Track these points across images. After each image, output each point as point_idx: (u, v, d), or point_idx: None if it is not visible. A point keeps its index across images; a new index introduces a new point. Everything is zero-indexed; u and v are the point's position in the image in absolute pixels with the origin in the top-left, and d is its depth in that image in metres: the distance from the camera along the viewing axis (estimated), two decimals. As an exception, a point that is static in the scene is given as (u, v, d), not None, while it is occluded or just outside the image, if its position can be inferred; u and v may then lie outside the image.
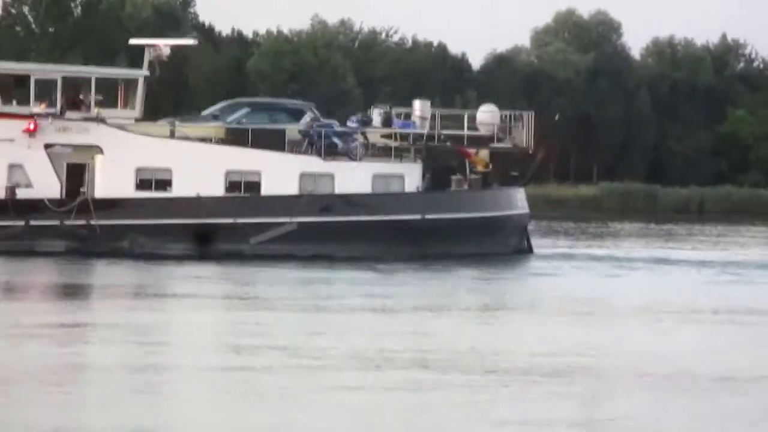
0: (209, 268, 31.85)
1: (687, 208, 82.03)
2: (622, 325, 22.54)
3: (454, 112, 36.25)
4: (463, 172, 35.63)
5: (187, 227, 33.55)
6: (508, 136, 34.78)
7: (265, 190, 33.37)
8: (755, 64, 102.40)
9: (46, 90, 34.15)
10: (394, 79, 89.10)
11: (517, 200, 35.54)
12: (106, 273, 32.00)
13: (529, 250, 35.92)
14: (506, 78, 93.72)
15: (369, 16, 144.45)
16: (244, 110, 35.29)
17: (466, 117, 35.34)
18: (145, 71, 35.87)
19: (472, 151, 34.27)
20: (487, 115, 34.54)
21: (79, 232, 33.68)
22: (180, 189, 34.47)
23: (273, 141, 33.56)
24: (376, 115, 35.07)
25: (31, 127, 32.81)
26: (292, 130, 34.19)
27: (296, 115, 35.56)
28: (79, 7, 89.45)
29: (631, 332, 21.12)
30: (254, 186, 34.20)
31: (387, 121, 34.24)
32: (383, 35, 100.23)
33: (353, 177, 33.54)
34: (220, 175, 34.20)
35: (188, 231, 33.40)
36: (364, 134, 34.37)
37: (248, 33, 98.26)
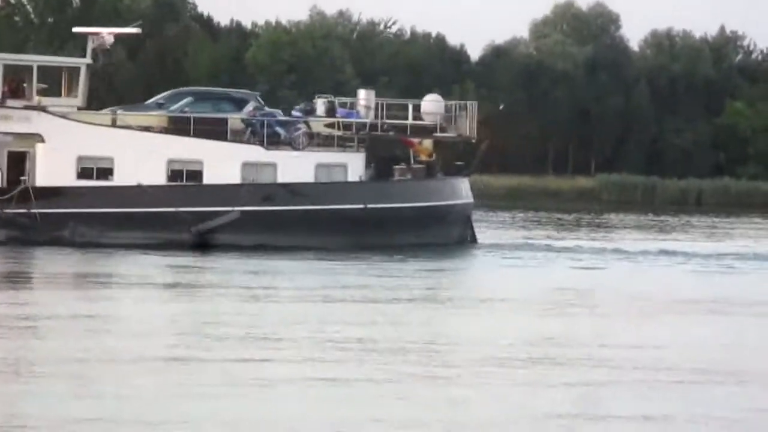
0: (151, 257, 31.82)
1: (685, 200, 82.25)
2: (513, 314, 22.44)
3: (398, 102, 35.69)
4: (407, 162, 35.16)
5: (129, 216, 33.42)
6: (452, 126, 34.59)
7: (207, 179, 33.25)
8: (754, 56, 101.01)
9: (-14, 78, 34.79)
10: (392, 71, 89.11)
11: (462, 190, 35.38)
12: (45, 261, 31.91)
13: (473, 240, 35.64)
14: (505, 70, 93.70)
15: (367, 7, 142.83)
16: (188, 99, 34.85)
17: (410, 107, 34.70)
18: (87, 59, 35.50)
19: (416, 140, 34.02)
20: (431, 104, 34.32)
21: (19, 221, 33.53)
22: (121, 178, 34.48)
23: (215, 130, 33.22)
24: (320, 104, 34.75)
25: (-28, 115, 33.13)
26: (235, 119, 33.81)
27: (240, 104, 35.37)
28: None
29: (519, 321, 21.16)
30: (196, 175, 33.93)
31: (330, 111, 34.09)
32: (382, 26, 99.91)
33: (296, 166, 33.29)
34: (161, 163, 34.06)
35: (130, 219, 33.28)
36: (307, 123, 33.90)
37: (247, 24, 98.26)
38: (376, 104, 35.25)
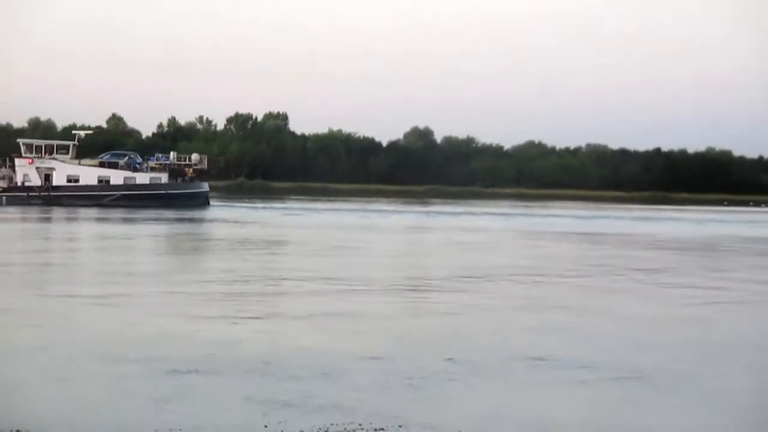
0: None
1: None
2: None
3: (184, 155, 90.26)
4: (184, 176, 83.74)
5: (90, 196, 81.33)
6: (201, 164, 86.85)
7: (114, 182, 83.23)
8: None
9: None
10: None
11: (204, 186, 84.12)
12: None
13: (208, 204, 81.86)
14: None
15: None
16: (110, 155, 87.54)
17: (187, 158, 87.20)
18: (75, 142, 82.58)
19: (188, 169, 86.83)
20: (194, 156, 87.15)
21: (44, 197, 77.54)
22: (85, 180, 79.67)
23: (116, 164, 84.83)
24: (155, 157, 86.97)
25: None
26: (123, 162, 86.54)
27: (126, 156, 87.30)
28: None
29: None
30: (108, 180, 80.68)
31: (159, 159, 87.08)
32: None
33: (143, 178, 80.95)
34: (95, 177, 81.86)
35: (91, 197, 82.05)
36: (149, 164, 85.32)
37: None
38: (178, 157, 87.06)
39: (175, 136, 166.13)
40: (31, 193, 78.21)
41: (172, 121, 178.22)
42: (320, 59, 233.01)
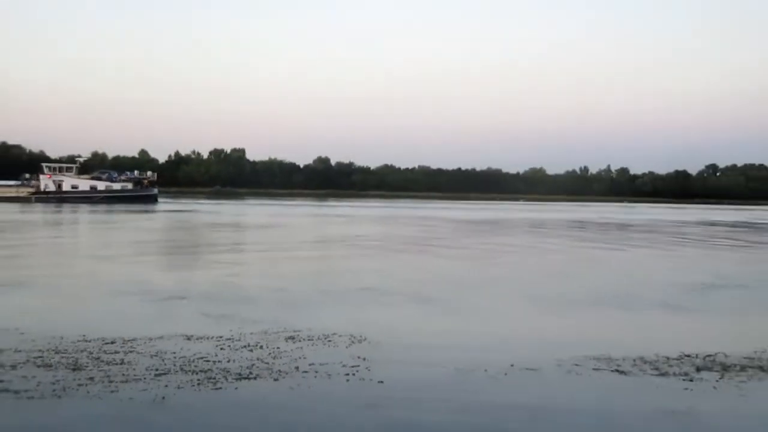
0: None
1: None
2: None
3: (144, 172, 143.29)
4: (143, 184, 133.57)
5: (81, 196, 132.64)
6: (150, 178, 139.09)
7: (97, 188, 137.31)
8: None
9: None
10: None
11: (154, 190, 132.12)
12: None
13: (156, 202, 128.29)
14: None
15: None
16: (100, 171, 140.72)
17: (148, 173, 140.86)
18: (77, 164, 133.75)
19: (145, 180, 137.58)
20: (149, 173, 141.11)
21: (55, 197, 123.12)
22: (82, 188, 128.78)
23: (101, 178, 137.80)
24: (127, 174, 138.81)
25: None
26: (104, 176, 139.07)
27: (108, 172, 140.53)
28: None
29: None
30: (93, 188, 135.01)
31: (128, 175, 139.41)
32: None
33: (117, 185, 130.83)
34: (87, 185, 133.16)
35: (84, 198, 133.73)
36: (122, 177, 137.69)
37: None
38: (139, 174, 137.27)
39: (178, 162, 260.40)
40: (49, 196, 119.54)
41: (177, 153, 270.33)
42: (264, 112, 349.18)
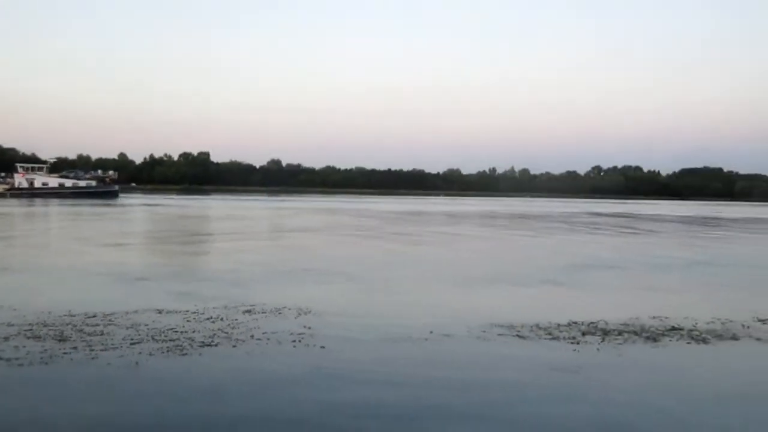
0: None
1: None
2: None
3: (109, 172, 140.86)
4: (106, 182, 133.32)
5: (56, 192, 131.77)
6: (111, 175, 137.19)
7: (64, 185, 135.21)
8: None
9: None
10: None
11: (114, 187, 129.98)
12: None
13: (117, 197, 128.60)
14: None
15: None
16: (68, 171, 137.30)
17: (110, 173, 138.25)
18: (47, 165, 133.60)
19: (108, 179, 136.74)
20: (111, 172, 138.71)
21: (29, 192, 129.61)
22: (51, 184, 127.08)
23: (68, 176, 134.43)
24: (92, 173, 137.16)
25: None
26: (71, 174, 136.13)
27: (76, 171, 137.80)
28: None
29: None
30: (62, 185, 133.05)
31: (93, 173, 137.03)
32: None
33: (83, 183, 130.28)
34: (57, 183, 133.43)
35: (57, 194, 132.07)
36: (87, 176, 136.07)
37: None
38: (103, 173, 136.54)
39: (153, 163, 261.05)
40: (22, 192, 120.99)
41: (152, 156, 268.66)
42: (226, 120, 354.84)
